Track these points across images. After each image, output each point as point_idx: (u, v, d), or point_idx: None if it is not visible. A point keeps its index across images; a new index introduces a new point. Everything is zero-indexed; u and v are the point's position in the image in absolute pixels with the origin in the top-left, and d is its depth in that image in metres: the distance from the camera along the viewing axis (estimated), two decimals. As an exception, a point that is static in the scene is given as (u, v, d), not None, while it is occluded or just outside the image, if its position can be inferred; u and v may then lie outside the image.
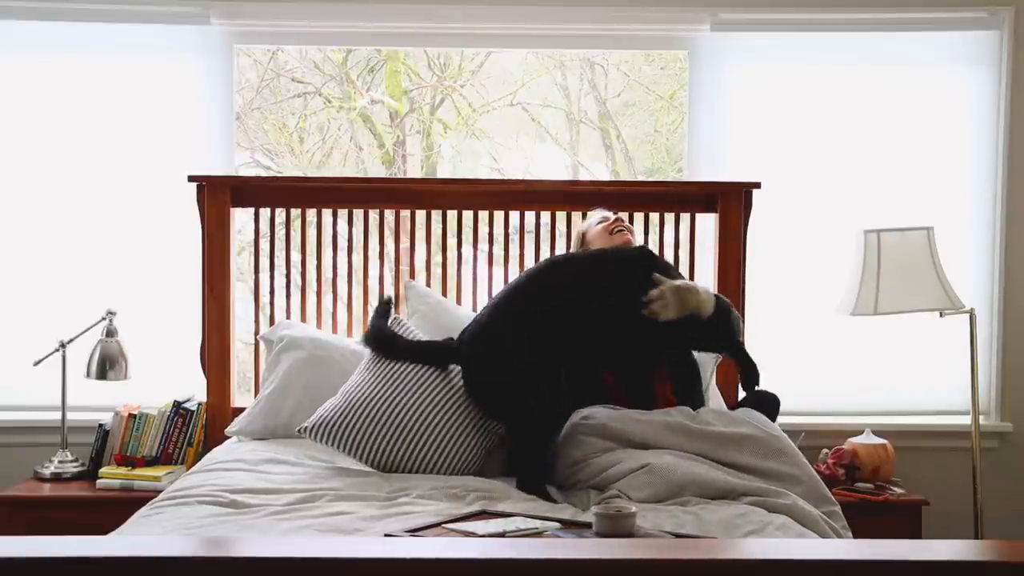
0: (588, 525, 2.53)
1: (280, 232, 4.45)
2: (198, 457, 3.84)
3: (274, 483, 3.12)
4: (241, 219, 4.34)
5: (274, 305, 4.30)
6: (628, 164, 5.13)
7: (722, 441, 3.18)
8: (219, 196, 4.06)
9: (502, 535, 2.48)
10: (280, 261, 4.32)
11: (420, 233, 4.23)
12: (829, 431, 4.21)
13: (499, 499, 2.96)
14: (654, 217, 4.20)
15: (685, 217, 4.23)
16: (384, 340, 3.45)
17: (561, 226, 4.23)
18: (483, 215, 4.19)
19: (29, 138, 4.30)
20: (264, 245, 4.24)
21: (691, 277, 4.15)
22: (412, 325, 3.70)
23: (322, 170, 5.12)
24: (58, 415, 4.07)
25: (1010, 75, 4.35)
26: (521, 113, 5.10)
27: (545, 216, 4.25)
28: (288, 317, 4.18)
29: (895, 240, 4.04)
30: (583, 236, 3.75)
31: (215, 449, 3.72)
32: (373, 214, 4.39)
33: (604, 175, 5.14)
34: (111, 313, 4.07)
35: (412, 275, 4.17)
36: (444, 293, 4.20)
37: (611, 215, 3.74)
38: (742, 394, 3.63)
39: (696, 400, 3.51)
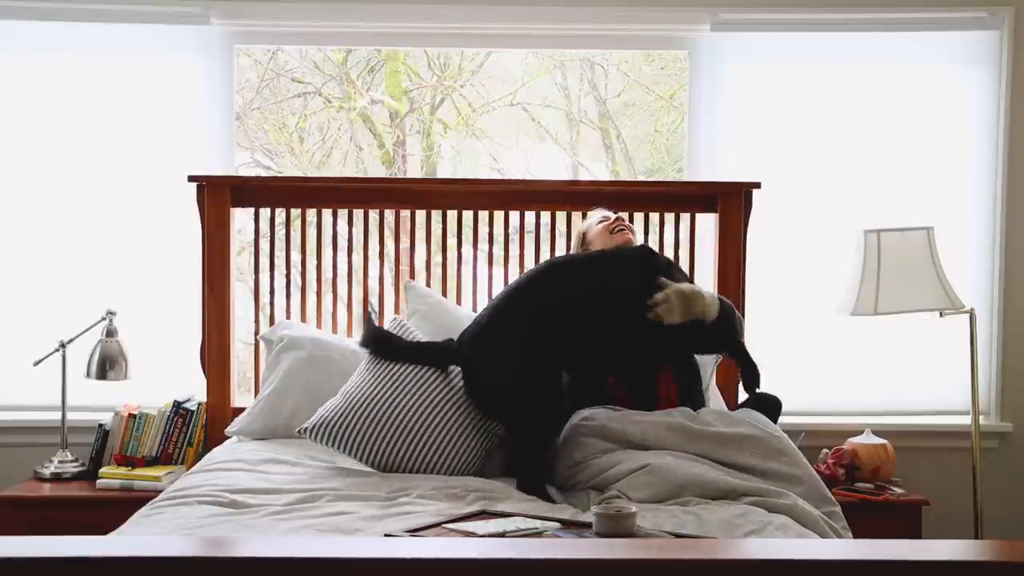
0: (588, 525, 2.53)
1: (280, 232, 4.45)
2: (198, 457, 3.84)
3: (274, 483, 3.12)
4: (241, 219, 4.34)
5: (274, 305, 4.30)
6: (628, 164, 5.13)
7: (722, 441, 3.18)
8: (219, 196, 4.06)
9: (502, 535, 2.48)
10: (280, 261, 4.32)
11: (420, 233, 4.23)
12: (829, 431, 4.22)
13: (499, 499, 2.96)
14: (654, 217, 4.20)
15: (685, 217, 4.23)
16: (383, 341, 3.45)
17: (561, 226, 4.23)
18: (483, 215, 4.19)
19: (29, 138, 4.30)
20: (264, 245, 4.24)
21: (691, 277, 4.14)
22: (412, 325, 3.70)
23: (322, 170, 5.12)
24: (58, 415, 4.07)
25: (1010, 75, 4.35)
26: (521, 113, 5.10)
27: (545, 216, 4.25)
28: (288, 317, 4.18)
29: (895, 240, 4.04)
30: (584, 236, 3.74)
31: (215, 449, 3.72)
32: (373, 214, 4.39)
33: (604, 175, 5.14)
34: (111, 313, 4.07)
35: (412, 275, 4.17)
36: (444, 293, 4.20)
37: (611, 215, 3.74)
38: (743, 396, 3.62)
39: (697, 400, 3.50)
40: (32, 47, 4.28)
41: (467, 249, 4.33)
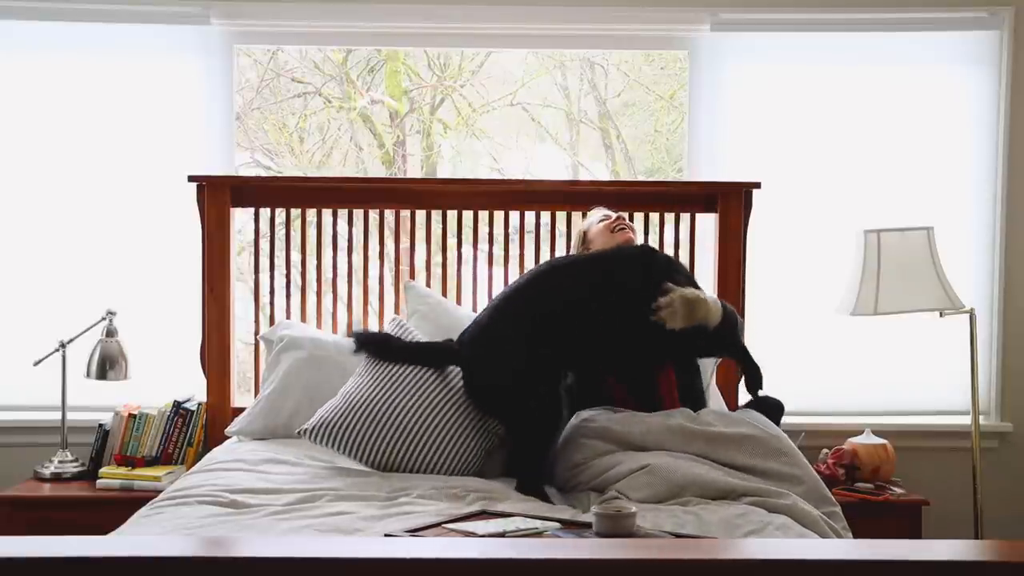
0: (588, 525, 2.53)
1: (280, 232, 4.45)
2: (198, 457, 3.84)
3: (274, 483, 3.12)
4: (241, 219, 4.34)
5: (274, 305, 4.30)
6: (628, 164, 5.13)
7: (722, 441, 3.17)
8: (219, 196, 4.06)
9: (502, 535, 2.48)
10: (280, 261, 4.32)
11: (420, 233, 4.23)
12: (829, 431, 4.22)
13: (499, 500, 2.96)
14: (654, 217, 4.20)
15: (685, 217, 4.23)
16: (380, 344, 3.44)
17: (561, 226, 4.23)
18: (483, 215, 4.19)
19: (29, 138, 4.30)
20: (264, 245, 4.24)
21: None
22: (412, 325, 3.70)
23: (322, 170, 5.12)
24: (58, 415, 4.07)
25: (1010, 75, 4.35)
26: (521, 113, 5.10)
27: (545, 216, 4.25)
28: (288, 317, 4.18)
29: (895, 240, 4.04)
30: (584, 234, 3.74)
31: (215, 449, 3.72)
32: (373, 214, 4.39)
33: (604, 175, 5.14)
34: (111, 313, 4.07)
35: (412, 275, 4.17)
36: (444, 293, 4.20)
37: (612, 214, 3.74)
38: (744, 397, 3.62)
39: (698, 401, 3.51)
40: (32, 47, 4.28)
41: (467, 249, 4.33)
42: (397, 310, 4.17)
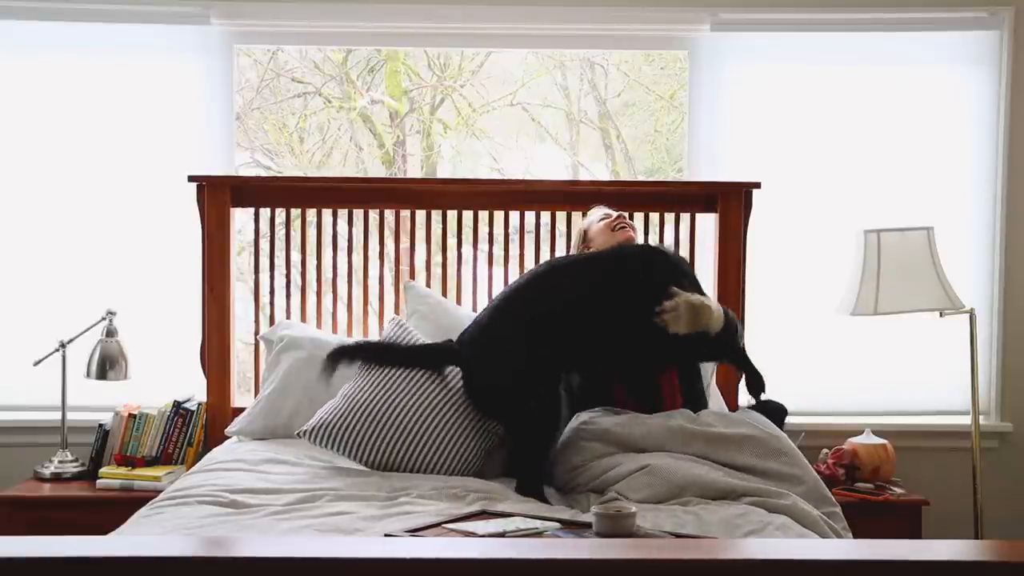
0: (588, 525, 2.53)
1: (280, 232, 4.45)
2: (198, 457, 3.84)
3: (274, 483, 3.12)
4: (241, 219, 4.34)
5: (274, 305, 4.30)
6: (628, 164, 5.13)
7: (722, 442, 3.17)
8: (219, 196, 4.06)
9: (502, 535, 2.48)
10: (280, 261, 4.32)
11: (420, 233, 4.23)
12: (829, 431, 4.22)
13: (499, 500, 2.96)
14: (654, 217, 4.20)
15: (685, 217, 4.23)
16: (378, 351, 3.43)
17: (561, 226, 4.23)
18: (483, 215, 4.19)
19: (29, 138, 4.29)
20: (264, 245, 4.24)
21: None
22: (411, 325, 3.70)
23: (322, 170, 5.12)
24: (58, 415, 4.07)
25: (1010, 75, 4.35)
26: (521, 113, 5.10)
27: (545, 216, 4.25)
28: (288, 317, 4.18)
29: (895, 240, 4.04)
30: (584, 233, 3.74)
31: (215, 449, 3.72)
32: (373, 214, 4.39)
33: (604, 175, 5.14)
34: (111, 313, 4.07)
35: (412, 275, 4.17)
36: (444, 293, 4.20)
37: (612, 212, 3.74)
38: (745, 400, 3.61)
39: (700, 401, 3.51)
40: (32, 47, 4.28)
41: (467, 249, 4.33)
42: (397, 310, 4.17)
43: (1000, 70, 4.37)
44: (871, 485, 3.96)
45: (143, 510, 2.95)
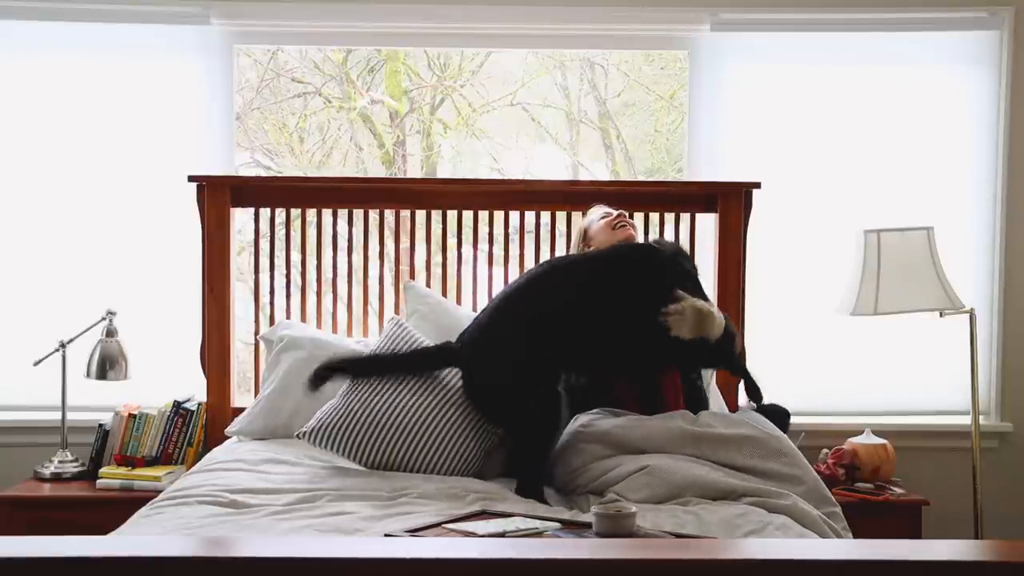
0: (588, 525, 2.53)
1: (280, 232, 4.45)
2: (198, 457, 3.84)
3: (274, 483, 3.12)
4: (241, 219, 4.34)
5: (274, 305, 4.30)
6: (628, 164, 5.13)
7: (722, 443, 3.17)
8: (219, 196, 4.06)
9: (502, 535, 2.48)
10: (280, 261, 4.32)
11: (420, 233, 4.23)
12: (829, 431, 4.22)
13: (498, 501, 2.95)
14: (654, 217, 4.20)
15: (685, 217, 4.23)
16: (377, 362, 3.41)
17: (561, 226, 4.23)
18: (483, 215, 4.19)
19: (29, 138, 4.30)
20: (264, 245, 4.24)
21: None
22: (411, 325, 3.70)
23: (322, 170, 5.12)
24: (58, 415, 4.07)
25: (1010, 75, 4.35)
26: (521, 113, 5.10)
27: (545, 216, 4.25)
28: (288, 317, 4.18)
29: (895, 240, 4.04)
30: (585, 232, 3.74)
31: (215, 449, 3.72)
32: (373, 214, 4.39)
33: (604, 175, 5.14)
34: (111, 313, 4.07)
35: (412, 275, 4.17)
36: (444, 293, 4.20)
37: (612, 211, 3.74)
38: (747, 403, 3.61)
39: (701, 401, 3.51)
40: (32, 47, 4.28)
41: (467, 249, 4.32)
42: (397, 310, 4.17)
43: (1000, 70, 4.37)
44: (871, 485, 3.96)
45: (143, 510, 2.95)
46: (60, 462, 4.02)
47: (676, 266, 3.37)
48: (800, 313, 4.36)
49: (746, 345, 4.12)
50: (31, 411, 4.26)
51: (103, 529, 2.88)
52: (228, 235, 4.07)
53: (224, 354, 4.08)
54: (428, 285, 4.17)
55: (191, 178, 4.06)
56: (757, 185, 4.15)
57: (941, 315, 4.11)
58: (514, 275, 4.10)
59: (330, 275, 4.19)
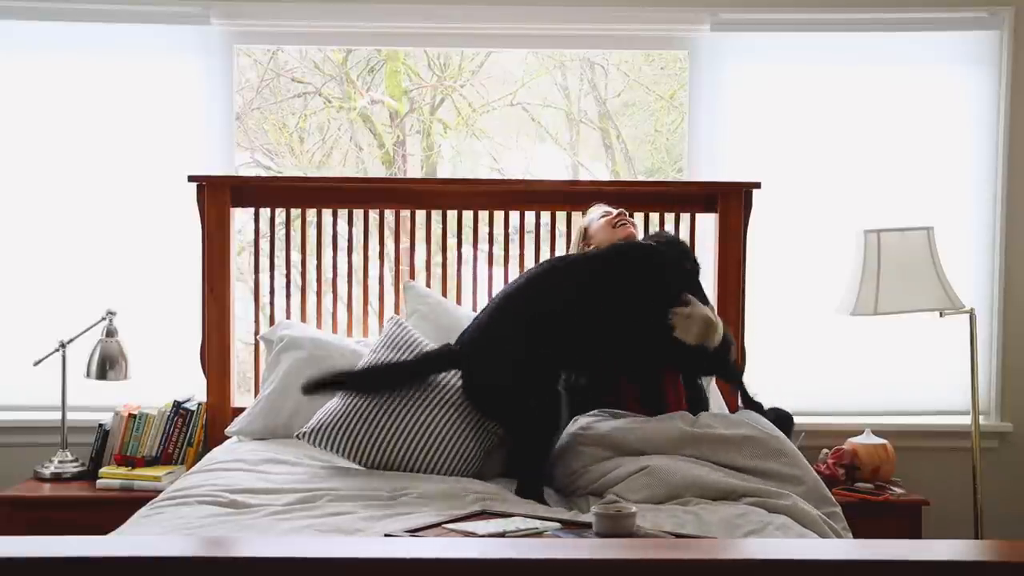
0: (588, 525, 2.53)
1: (280, 232, 4.45)
2: (198, 457, 3.84)
3: (274, 483, 3.12)
4: (241, 219, 4.34)
5: (274, 305, 4.30)
6: (628, 164, 5.13)
7: (722, 443, 3.17)
8: (219, 196, 4.06)
9: (502, 535, 2.48)
10: (280, 261, 4.32)
11: (420, 233, 4.23)
12: (829, 431, 4.21)
13: (498, 501, 2.95)
14: (654, 217, 4.20)
15: (685, 217, 4.23)
16: (381, 373, 3.40)
17: (561, 226, 4.23)
18: (483, 215, 4.19)
19: (29, 138, 4.29)
20: (264, 245, 4.24)
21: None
22: (411, 325, 3.70)
23: (322, 170, 5.12)
24: (58, 415, 4.07)
25: (1010, 75, 4.35)
26: (521, 113, 5.10)
27: (545, 216, 4.25)
28: (288, 317, 4.18)
29: (895, 240, 4.04)
30: (585, 231, 3.74)
31: (215, 449, 3.72)
32: (373, 214, 4.39)
33: (604, 175, 5.14)
34: (111, 313, 4.07)
35: (412, 275, 4.17)
36: (444, 293, 4.20)
37: (613, 210, 3.74)
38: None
39: (702, 402, 3.51)
40: (32, 47, 4.28)
41: (467, 249, 4.32)
42: (397, 310, 4.17)
43: (1000, 70, 4.37)
44: (871, 485, 3.96)
45: (143, 510, 2.95)
46: (60, 462, 4.02)
47: (674, 265, 3.38)
48: (800, 313, 4.36)
49: (746, 347, 4.13)
50: (31, 411, 4.26)
51: (103, 529, 2.88)
52: (228, 235, 4.07)
53: (224, 354, 4.08)
54: (428, 285, 4.17)
55: (191, 178, 4.06)
56: (757, 185, 4.15)
57: (941, 315, 4.11)
58: (514, 275, 4.10)
59: (330, 275, 4.19)
